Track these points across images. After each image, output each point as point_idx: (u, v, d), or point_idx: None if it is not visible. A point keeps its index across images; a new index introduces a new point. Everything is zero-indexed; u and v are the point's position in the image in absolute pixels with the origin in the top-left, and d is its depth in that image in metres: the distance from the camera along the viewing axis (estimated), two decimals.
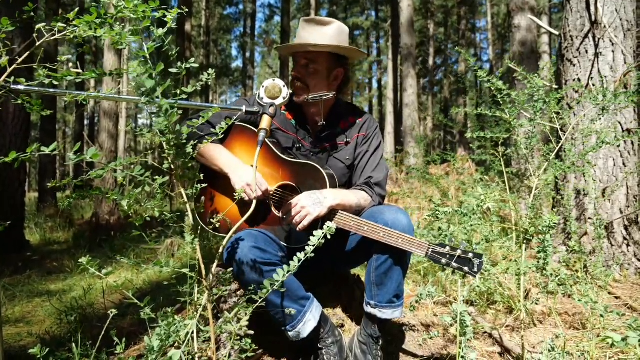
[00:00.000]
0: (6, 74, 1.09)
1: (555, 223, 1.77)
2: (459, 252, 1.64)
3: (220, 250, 1.42)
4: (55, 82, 1.17)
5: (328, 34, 1.86)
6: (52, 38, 1.13)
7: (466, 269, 1.62)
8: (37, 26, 1.13)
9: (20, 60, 1.11)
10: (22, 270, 4.38)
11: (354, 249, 1.99)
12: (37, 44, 1.13)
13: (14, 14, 1.10)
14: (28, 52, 1.12)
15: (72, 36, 1.12)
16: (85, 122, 24.90)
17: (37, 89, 1.19)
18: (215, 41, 30.18)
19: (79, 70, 1.16)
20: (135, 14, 1.10)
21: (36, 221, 7.46)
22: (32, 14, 1.10)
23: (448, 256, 1.65)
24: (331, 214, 1.76)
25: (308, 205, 1.70)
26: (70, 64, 1.20)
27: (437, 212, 1.96)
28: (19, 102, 1.16)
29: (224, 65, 32.68)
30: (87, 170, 1.21)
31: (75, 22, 1.11)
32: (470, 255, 1.63)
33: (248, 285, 1.61)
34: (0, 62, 1.10)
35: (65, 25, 1.12)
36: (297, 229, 1.71)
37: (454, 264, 1.63)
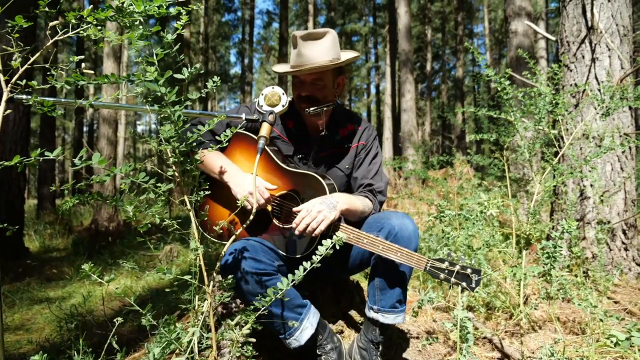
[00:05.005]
0: (17, 75, 1.09)
1: (574, 229, 1.78)
2: (457, 267, 1.66)
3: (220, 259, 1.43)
4: (57, 86, 1.17)
5: (327, 46, 1.84)
6: (66, 35, 1.13)
7: (464, 284, 1.64)
8: (52, 23, 1.13)
9: (32, 60, 1.10)
10: (22, 277, 4.37)
11: (357, 255, 2.00)
12: (51, 41, 1.13)
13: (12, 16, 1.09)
14: (38, 53, 1.12)
15: (84, 34, 1.12)
16: (85, 128, 24.92)
17: (39, 98, 1.20)
18: (214, 48, 30.27)
19: (92, 72, 1.16)
20: (150, 10, 1.10)
21: (35, 228, 7.44)
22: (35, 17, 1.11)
23: (447, 271, 1.67)
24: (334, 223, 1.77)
25: (324, 209, 1.69)
26: (83, 65, 1.19)
27: (442, 215, 1.97)
28: (30, 103, 1.15)
29: (223, 71, 32.77)
30: (86, 177, 1.21)
31: (89, 19, 1.11)
32: (469, 270, 1.65)
33: (244, 294, 1.63)
34: (13, 64, 1.09)
35: (78, 22, 1.11)
36: (314, 234, 1.69)
37: (452, 280, 1.65)
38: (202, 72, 1.28)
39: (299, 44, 1.84)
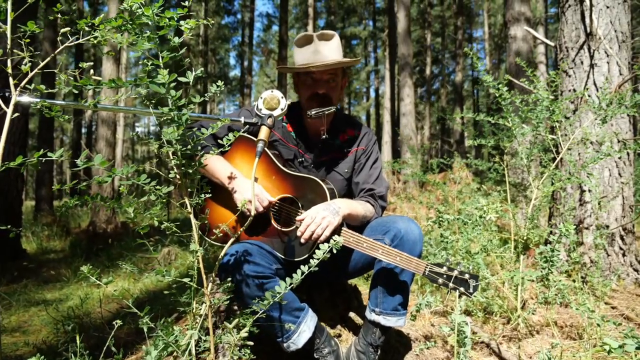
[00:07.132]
0: (26, 80, 1.09)
1: (570, 232, 1.79)
2: (455, 272, 1.66)
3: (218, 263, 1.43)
4: (65, 90, 1.17)
5: (337, 47, 1.90)
6: (76, 42, 1.13)
7: (462, 289, 1.65)
8: (62, 30, 1.13)
9: (42, 64, 1.10)
10: (19, 279, 4.35)
11: (358, 259, 2.00)
12: (61, 47, 1.13)
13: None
14: (50, 57, 1.12)
15: (95, 41, 1.13)
16: (83, 130, 24.91)
17: (42, 100, 1.20)
18: (214, 50, 30.28)
19: (99, 79, 1.16)
20: (161, 21, 1.10)
21: (33, 229, 7.42)
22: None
23: (445, 276, 1.67)
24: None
25: (327, 215, 1.68)
26: (92, 71, 1.19)
27: (441, 219, 1.98)
28: (38, 107, 1.15)
29: (222, 74, 32.80)
30: (85, 179, 1.21)
31: (100, 27, 1.11)
32: (467, 276, 1.66)
33: (241, 297, 1.63)
34: (23, 68, 1.09)
35: (89, 29, 1.12)
36: (319, 241, 1.68)
37: (450, 284, 1.66)
38: (204, 76, 1.28)
39: (315, 42, 1.87)
